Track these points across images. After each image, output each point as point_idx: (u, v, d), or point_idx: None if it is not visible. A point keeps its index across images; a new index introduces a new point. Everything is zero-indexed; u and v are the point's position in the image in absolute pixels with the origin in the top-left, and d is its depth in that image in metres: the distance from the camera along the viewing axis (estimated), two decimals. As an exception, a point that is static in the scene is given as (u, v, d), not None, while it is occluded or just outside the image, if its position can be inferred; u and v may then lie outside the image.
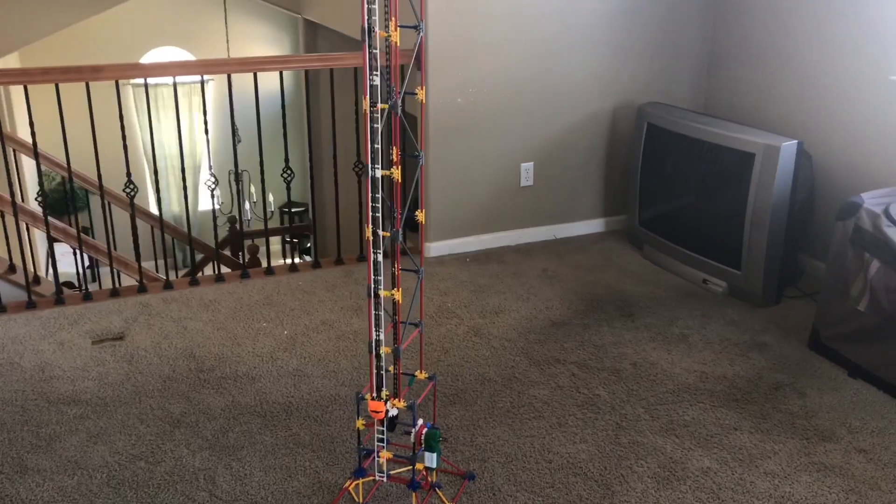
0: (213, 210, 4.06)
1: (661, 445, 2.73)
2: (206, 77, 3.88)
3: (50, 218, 3.90)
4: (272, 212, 7.99)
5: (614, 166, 4.58)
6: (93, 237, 7.24)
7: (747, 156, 3.62)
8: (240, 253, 7.33)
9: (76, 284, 7.70)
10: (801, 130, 3.98)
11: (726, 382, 3.12)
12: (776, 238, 3.62)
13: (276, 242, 9.74)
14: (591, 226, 4.65)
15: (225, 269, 5.79)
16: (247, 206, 8.05)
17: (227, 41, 8.37)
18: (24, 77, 3.33)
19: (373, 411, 2.24)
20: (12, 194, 3.61)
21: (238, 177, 4.12)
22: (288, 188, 4.02)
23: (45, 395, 3.02)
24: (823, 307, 3.31)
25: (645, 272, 4.14)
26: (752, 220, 3.63)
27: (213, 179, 3.94)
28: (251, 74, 3.79)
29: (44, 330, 3.51)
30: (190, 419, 2.87)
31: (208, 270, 7.12)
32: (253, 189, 8.62)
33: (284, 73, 3.90)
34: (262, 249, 7.38)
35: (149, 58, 9.04)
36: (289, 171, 3.99)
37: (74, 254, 4.75)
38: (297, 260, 9.53)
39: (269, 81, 4.16)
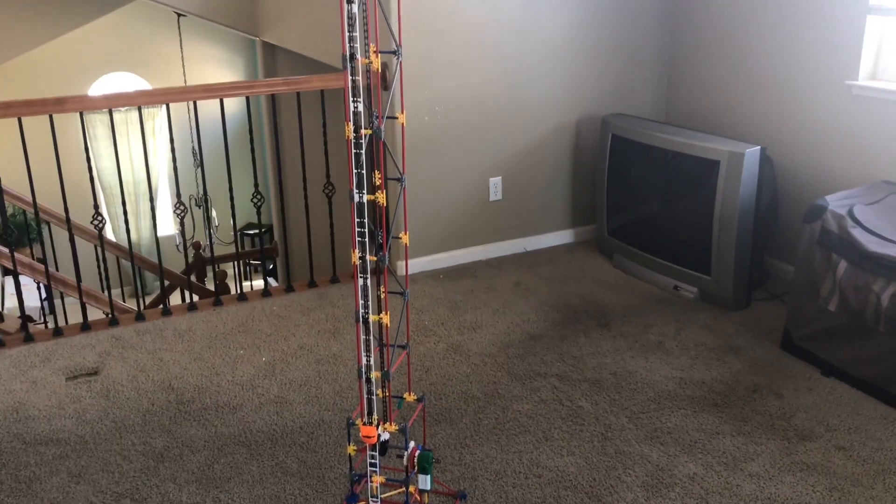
0: (184, 237, 4.02)
1: (647, 454, 2.77)
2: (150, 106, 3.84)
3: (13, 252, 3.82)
4: (233, 235, 7.92)
5: (581, 177, 4.64)
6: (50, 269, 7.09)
7: (712, 163, 3.69)
8: (205, 279, 7.25)
9: (34, 318, 7.55)
10: (761, 136, 4.09)
11: (705, 387, 3.18)
12: (744, 242, 3.70)
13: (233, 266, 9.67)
14: (560, 237, 4.70)
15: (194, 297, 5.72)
16: (210, 231, 7.97)
17: (184, 66, 8.30)
18: (-13, 112, 3.27)
19: (365, 437, 2.23)
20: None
21: (207, 202, 4.09)
22: (258, 212, 3.99)
23: (21, 436, 2.95)
24: (794, 308, 3.38)
25: (617, 281, 4.19)
26: (720, 226, 3.71)
27: (182, 206, 3.89)
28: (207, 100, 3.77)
29: (14, 369, 3.43)
30: (174, 453, 2.83)
31: (174, 298, 7.04)
32: (214, 213, 8.55)
33: (235, 98, 3.87)
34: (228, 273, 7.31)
35: (101, 84, 8.92)
36: (259, 196, 3.97)
37: (35, 287, 4.65)
38: (257, 284, 9.47)
39: (214, 108, 4.12)
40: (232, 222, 4.06)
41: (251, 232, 9.84)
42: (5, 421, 3.05)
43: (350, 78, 1.93)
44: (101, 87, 8.94)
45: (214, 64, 9.28)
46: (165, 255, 6.77)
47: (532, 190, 4.53)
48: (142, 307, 3.97)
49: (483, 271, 4.35)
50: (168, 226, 9.53)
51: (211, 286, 7.26)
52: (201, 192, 8.26)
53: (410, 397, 2.44)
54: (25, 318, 4.14)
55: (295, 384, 3.26)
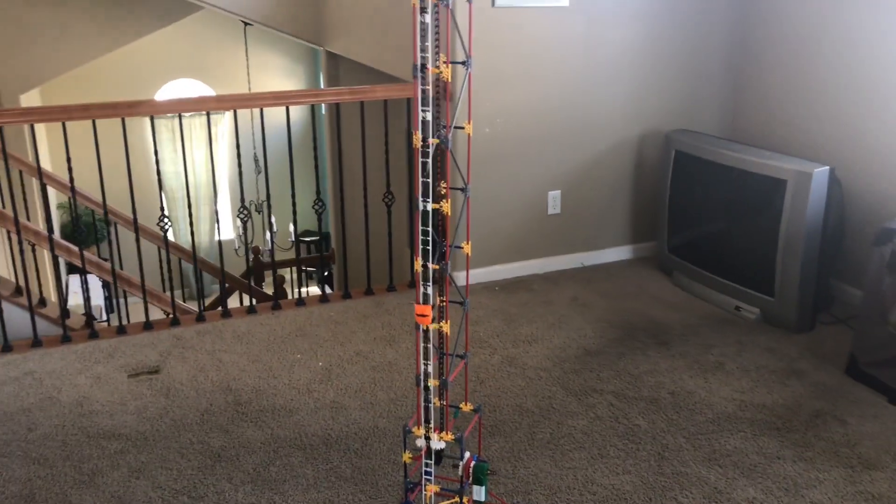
0: (246, 241, 4.08)
1: (704, 476, 2.71)
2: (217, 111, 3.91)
3: (83, 252, 3.93)
4: (292, 241, 8.03)
5: (641, 193, 4.60)
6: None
7: (779, 182, 3.62)
8: (262, 283, 7.35)
9: (96, 316, 7.75)
10: (830, 156, 3.99)
11: (766, 411, 3.10)
12: (809, 264, 3.62)
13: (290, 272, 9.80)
14: (618, 253, 4.65)
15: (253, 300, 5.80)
16: (267, 236, 8.09)
17: (248, 73, 8.46)
18: (64, 114, 3.37)
19: (419, 315, 2.15)
20: (49, 229, 3.64)
21: (269, 208, 4.15)
22: (319, 219, 4.04)
23: (85, 429, 3.03)
24: (861, 333, 3.29)
25: (676, 299, 4.13)
26: (785, 247, 3.63)
27: (245, 211, 3.96)
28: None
29: (80, 364, 3.53)
30: (230, 453, 2.87)
31: (231, 302, 7.15)
32: (273, 219, 8.68)
33: (295, 106, 3.92)
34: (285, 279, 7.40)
35: (166, 90, 9.15)
36: (320, 203, 4.01)
37: (100, 285, 4.77)
38: (313, 290, 9.57)
39: (281, 114, 4.18)
40: (292, 228, 4.12)
41: (308, 239, 9.96)
42: (70, 414, 3.13)
43: (420, 87, 1.94)
44: (167, 92, 9.17)
45: (276, 73, 9.45)
46: (224, 259, 6.88)
47: (591, 204, 4.50)
48: (202, 308, 4.04)
49: (539, 285, 4.33)
50: (226, 230, 9.71)
51: (268, 290, 7.37)
52: (261, 198, 8.41)
53: (467, 407, 2.44)
54: (90, 316, 4.25)
55: (350, 390, 3.28)
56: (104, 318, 7.34)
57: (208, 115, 3.82)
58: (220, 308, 4.02)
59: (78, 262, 4.02)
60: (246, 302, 6.92)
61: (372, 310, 4.05)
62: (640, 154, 4.53)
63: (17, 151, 4.45)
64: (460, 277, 4.30)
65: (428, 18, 1.88)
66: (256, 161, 7.85)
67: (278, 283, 6.19)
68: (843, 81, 3.94)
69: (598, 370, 3.42)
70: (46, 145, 8.00)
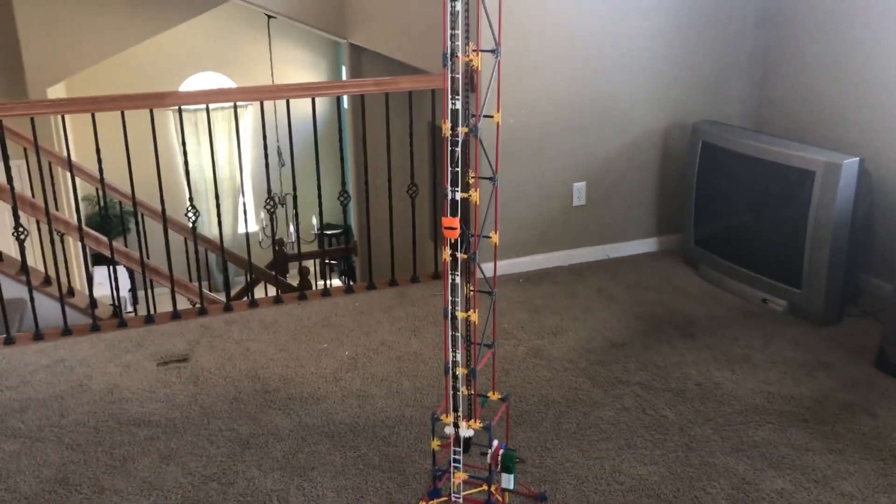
0: (273, 233, 4.11)
1: (732, 466, 2.71)
2: (245, 102, 3.93)
3: (112, 242, 3.98)
4: (315, 234, 8.07)
5: (667, 185, 4.57)
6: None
7: (807, 173, 3.59)
8: (286, 275, 7.40)
9: (122, 306, 7.83)
10: (859, 147, 3.95)
11: (794, 402, 3.09)
12: (838, 256, 3.58)
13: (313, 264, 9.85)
14: (644, 245, 4.64)
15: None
16: (291, 228, 8.15)
17: (272, 66, 8.51)
18: (94, 105, 3.41)
19: (447, 228, 2.12)
20: (79, 219, 3.68)
21: (296, 199, 4.18)
22: (344, 210, 4.07)
23: (116, 416, 3.07)
24: (890, 326, 3.26)
25: (702, 291, 4.11)
26: (813, 239, 3.60)
27: (272, 203, 3.99)
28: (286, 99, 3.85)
29: (109, 352, 3.57)
30: (259, 440, 2.90)
31: (257, 293, 7.21)
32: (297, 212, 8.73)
33: (320, 98, 3.93)
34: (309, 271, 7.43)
35: (190, 82, 9.21)
36: (345, 195, 4.03)
37: (127, 275, 4.83)
38: (336, 283, 9.61)
39: (304, 107, 4.17)
40: (317, 220, 4.14)
41: (329, 232, 10.01)
42: (101, 401, 3.17)
43: (450, 76, 1.95)
44: (191, 85, 9.23)
45: (299, 65, 9.48)
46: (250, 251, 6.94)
47: (617, 196, 4.49)
48: (229, 298, 4.07)
49: (564, 277, 4.33)
50: (250, 223, 9.77)
51: (292, 282, 7.41)
52: (284, 191, 8.45)
53: (494, 396, 2.45)
54: (118, 306, 4.31)
55: (376, 379, 3.30)
56: (129, 309, 7.43)
57: (235, 106, 3.84)
58: (246, 298, 4.05)
59: (107, 252, 4.06)
60: (272, 293, 6.97)
61: (396, 301, 4.06)
62: (666, 145, 4.51)
63: (44, 143, 4.48)
64: (488, 268, 4.31)
65: (459, 6, 1.89)
66: (280, 154, 7.89)
67: (304, 273, 6.23)
68: (871, 71, 3.89)
69: (624, 362, 3.42)
70: (72, 138, 8.08)
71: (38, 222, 4.36)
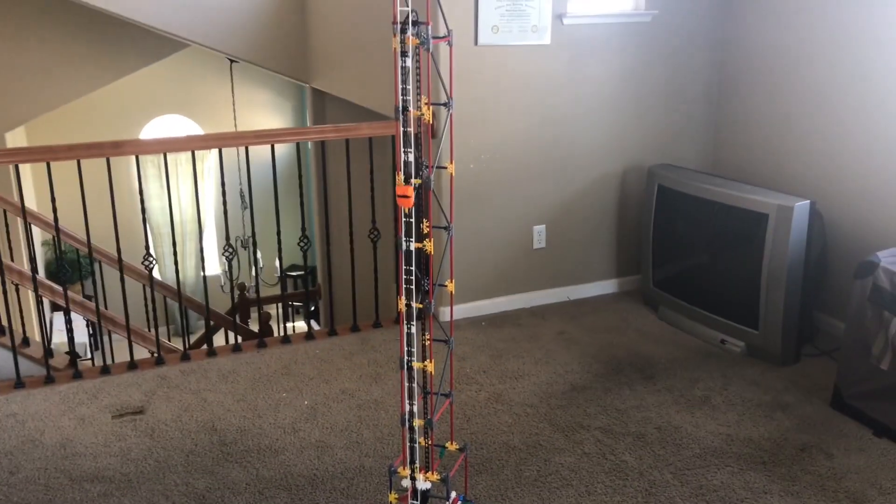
0: (231, 278, 4.08)
1: (692, 512, 2.71)
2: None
3: (65, 290, 3.91)
4: (278, 277, 8.02)
5: (626, 227, 4.63)
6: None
7: (760, 216, 3.66)
8: (248, 320, 7.32)
9: (80, 354, 7.69)
10: (811, 190, 4.04)
11: (752, 445, 3.11)
12: (793, 297, 3.64)
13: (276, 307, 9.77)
14: (604, 287, 4.67)
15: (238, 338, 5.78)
16: (253, 272, 8.08)
17: (234, 111, 8.51)
18: (49, 154, 3.37)
19: (401, 196, 2.08)
20: (34, 269, 3.63)
21: (255, 244, 4.16)
22: (304, 255, 4.05)
23: (68, 472, 2.99)
24: (844, 366, 3.31)
25: (662, 333, 4.14)
26: (768, 280, 3.66)
27: (230, 248, 3.96)
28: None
29: (63, 405, 3.49)
30: (215, 495, 2.84)
31: (218, 338, 7.12)
32: (259, 255, 8.67)
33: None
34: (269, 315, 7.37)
35: (153, 126, 9.17)
36: (305, 239, 4.02)
37: (84, 324, 4.74)
38: (299, 325, 9.53)
39: (266, 151, 4.18)
40: (277, 264, 4.12)
41: (294, 273, 9.95)
42: (54, 457, 3.09)
43: (402, 129, 1.96)
44: (154, 129, 9.18)
45: (263, 108, 9.49)
46: (210, 296, 6.88)
47: (576, 238, 4.53)
48: (187, 347, 4.02)
49: (526, 319, 4.34)
50: (212, 266, 9.68)
51: (254, 327, 7.33)
52: (247, 234, 8.41)
53: (453, 446, 2.43)
54: (74, 356, 4.22)
55: (336, 429, 3.27)
56: (89, 355, 7.29)
57: (193, 153, 3.84)
58: (205, 346, 4.00)
59: (62, 302, 4.00)
60: (232, 339, 6.89)
61: (358, 347, 4.04)
62: (624, 188, 4.57)
63: (1, 190, 4.44)
64: (446, 313, 4.31)
65: (409, 62, 1.91)
66: (242, 197, 7.85)
67: (264, 320, 6.17)
68: (823, 115, 4.00)
69: (584, 406, 3.42)
70: (32, 183, 7.99)
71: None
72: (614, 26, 4.31)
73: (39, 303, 4.21)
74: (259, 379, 3.71)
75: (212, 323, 5.70)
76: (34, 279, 3.65)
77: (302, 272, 9.67)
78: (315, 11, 5.94)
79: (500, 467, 2.99)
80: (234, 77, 8.75)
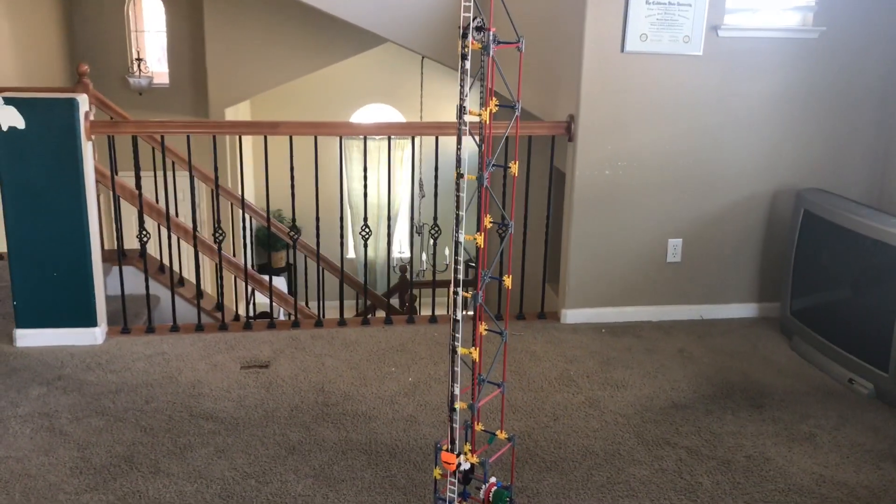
0: (409, 262, 4.38)
1: (753, 544, 2.63)
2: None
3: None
4: (446, 264, 8.33)
5: (772, 251, 4.43)
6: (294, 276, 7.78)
7: (903, 252, 3.40)
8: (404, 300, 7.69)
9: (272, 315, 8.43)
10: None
11: (845, 489, 2.93)
12: (931, 343, 3.36)
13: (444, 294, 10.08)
14: (741, 310, 4.50)
15: (381, 314, 6.13)
16: (423, 256, 8.47)
17: (421, 102, 8.95)
18: (271, 129, 3.95)
19: (445, 462, 2.36)
20: (246, 265, 4.12)
21: (431, 230, 4.49)
22: (483, 243, 4.29)
23: (190, 408, 3.40)
24: (974, 424, 3.02)
25: (789, 364, 3.95)
26: (905, 322, 3.40)
27: (419, 231, 4.28)
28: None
29: (204, 351, 3.95)
30: (304, 447, 3.13)
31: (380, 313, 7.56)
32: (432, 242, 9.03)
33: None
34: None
35: (360, 114, 9.83)
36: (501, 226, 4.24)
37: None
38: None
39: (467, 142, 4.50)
40: (447, 252, 4.40)
41: (473, 264, 10.22)
42: (183, 394, 3.53)
43: (461, 127, 2.10)
44: (362, 115, 9.85)
45: (450, 101, 9.83)
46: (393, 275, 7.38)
47: (715, 256, 4.40)
48: (321, 315, 4.38)
49: (648, 332, 4.29)
50: (400, 248, 10.22)
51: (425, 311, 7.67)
52: (422, 220, 8.81)
53: (502, 435, 2.53)
54: (253, 316, 4.73)
55: (429, 407, 3.45)
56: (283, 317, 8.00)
57: (389, 139, 4.31)
58: (337, 316, 4.34)
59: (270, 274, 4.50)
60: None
61: (476, 336, 4.19)
62: (773, 210, 4.37)
63: (206, 165, 4.95)
64: (567, 315, 4.36)
65: (468, 65, 2.04)
66: (422, 185, 8.24)
67: (410, 301, 6.49)
68: None
69: (679, 424, 3.37)
70: (248, 156, 8.84)
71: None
72: (776, 41, 4.13)
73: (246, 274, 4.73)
74: (376, 352, 3.97)
75: (367, 303, 6.10)
76: (245, 269, 4.21)
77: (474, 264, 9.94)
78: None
79: (572, 468, 3.03)
80: (427, 71, 9.17)
